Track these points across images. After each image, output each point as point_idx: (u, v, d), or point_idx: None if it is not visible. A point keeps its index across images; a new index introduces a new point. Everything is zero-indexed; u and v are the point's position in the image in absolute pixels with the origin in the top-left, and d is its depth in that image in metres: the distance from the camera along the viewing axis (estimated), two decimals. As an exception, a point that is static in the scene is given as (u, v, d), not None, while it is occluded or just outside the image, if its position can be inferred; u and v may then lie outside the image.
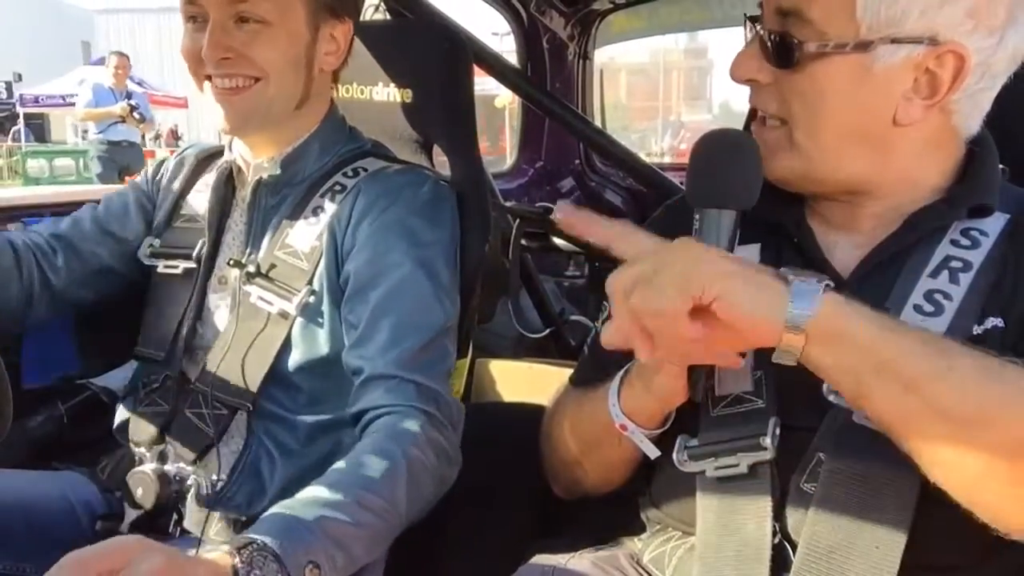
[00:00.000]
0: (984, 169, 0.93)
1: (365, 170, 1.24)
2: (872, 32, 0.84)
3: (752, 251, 0.99)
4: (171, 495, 1.18)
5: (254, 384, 1.16)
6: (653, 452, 0.94)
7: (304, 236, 1.19)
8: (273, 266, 1.18)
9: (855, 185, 0.92)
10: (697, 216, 0.87)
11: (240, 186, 1.28)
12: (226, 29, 1.13)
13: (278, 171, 1.22)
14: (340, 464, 1.00)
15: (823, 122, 0.88)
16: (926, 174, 0.92)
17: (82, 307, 1.34)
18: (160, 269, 1.28)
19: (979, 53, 0.85)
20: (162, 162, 1.40)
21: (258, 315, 1.18)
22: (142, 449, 1.22)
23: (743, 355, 0.86)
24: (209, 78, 1.15)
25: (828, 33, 0.85)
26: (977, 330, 0.85)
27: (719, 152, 0.89)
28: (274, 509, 0.90)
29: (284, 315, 1.16)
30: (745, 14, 0.94)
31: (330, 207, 1.20)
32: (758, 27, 0.92)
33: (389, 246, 1.14)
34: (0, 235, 1.25)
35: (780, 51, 0.88)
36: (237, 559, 0.80)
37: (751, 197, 0.87)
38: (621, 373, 0.95)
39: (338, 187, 1.21)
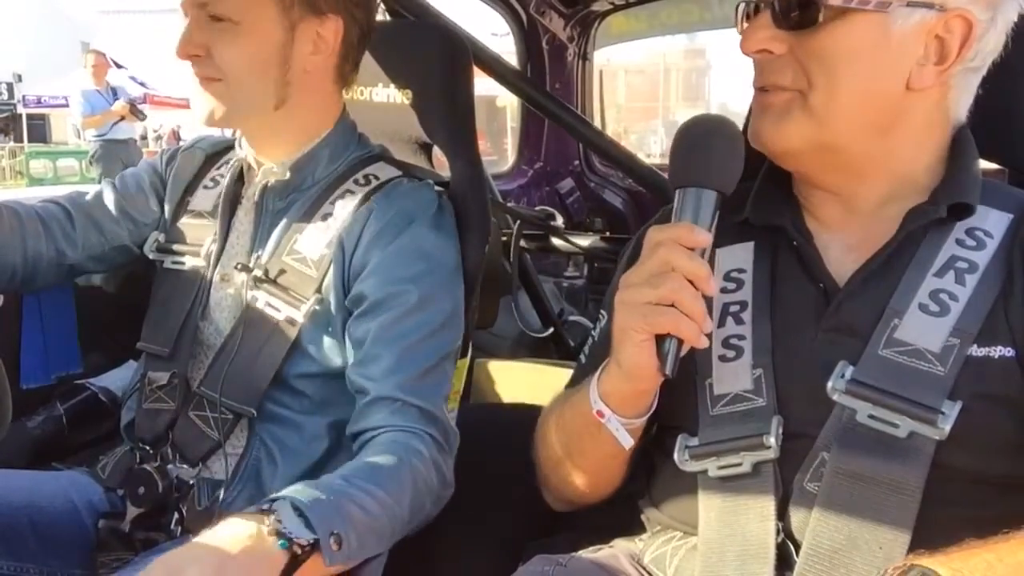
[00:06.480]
0: (964, 163, 0.94)
1: (376, 177, 1.23)
2: None
3: (747, 249, 0.99)
4: (173, 494, 1.18)
5: (260, 391, 1.16)
6: (627, 441, 0.92)
7: (313, 243, 1.18)
8: (282, 272, 1.18)
9: (858, 158, 0.92)
10: (677, 197, 0.87)
11: (247, 185, 1.27)
12: (200, 27, 1.13)
13: (287, 176, 1.21)
14: (352, 463, 1.04)
15: (842, 84, 0.88)
16: (915, 166, 0.93)
17: (89, 279, 1.36)
18: (166, 264, 1.28)
19: (979, 25, 0.87)
20: (176, 150, 1.39)
21: (265, 321, 1.17)
22: (146, 447, 1.21)
23: (709, 336, 0.85)
24: None
25: None
26: (979, 352, 0.85)
27: (700, 133, 0.89)
28: (295, 486, 0.93)
29: (292, 322, 1.16)
30: None
31: (341, 215, 1.19)
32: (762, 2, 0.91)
33: (400, 273, 1.14)
34: (3, 203, 1.24)
35: (801, 9, 0.87)
36: (269, 521, 0.85)
37: (730, 178, 0.87)
38: (605, 361, 0.92)
39: (349, 195, 1.20)
